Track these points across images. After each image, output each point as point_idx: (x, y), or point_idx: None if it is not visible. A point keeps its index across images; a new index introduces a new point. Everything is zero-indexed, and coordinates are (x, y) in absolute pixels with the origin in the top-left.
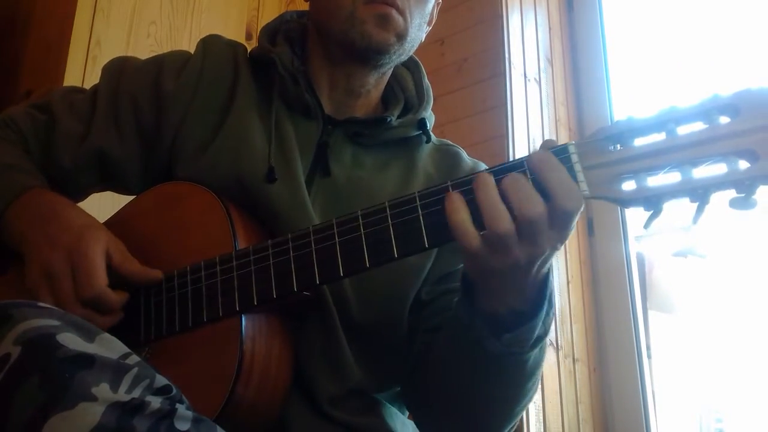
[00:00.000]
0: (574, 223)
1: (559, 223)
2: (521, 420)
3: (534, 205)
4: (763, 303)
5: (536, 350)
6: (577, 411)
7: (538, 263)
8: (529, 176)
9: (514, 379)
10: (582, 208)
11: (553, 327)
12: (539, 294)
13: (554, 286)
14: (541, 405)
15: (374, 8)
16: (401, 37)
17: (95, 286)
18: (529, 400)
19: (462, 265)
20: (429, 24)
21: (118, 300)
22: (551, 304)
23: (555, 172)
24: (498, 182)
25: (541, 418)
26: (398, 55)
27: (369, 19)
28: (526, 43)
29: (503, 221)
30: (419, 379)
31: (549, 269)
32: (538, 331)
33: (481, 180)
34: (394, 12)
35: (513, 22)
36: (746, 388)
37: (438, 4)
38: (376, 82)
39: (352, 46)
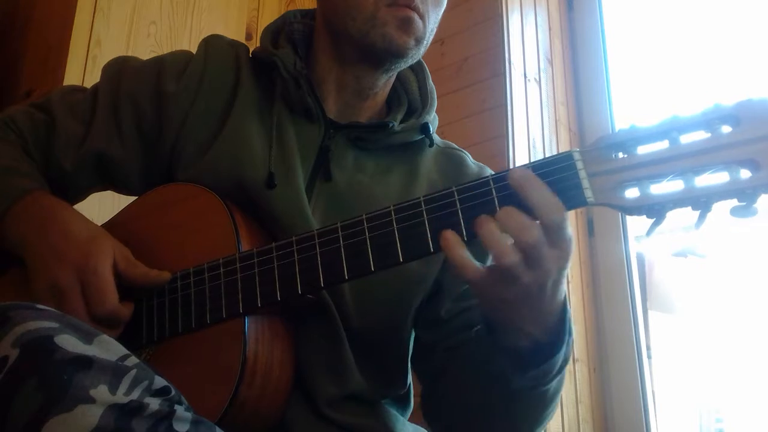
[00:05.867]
0: (568, 233)
1: (553, 237)
2: None
3: (529, 231)
4: (763, 303)
5: (557, 378)
6: (577, 411)
7: (549, 287)
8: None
9: (534, 409)
10: (566, 217)
11: None
12: (559, 323)
13: (571, 313)
14: None
15: (397, 11)
16: (419, 41)
17: (107, 303)
18: (547, 422)
19: None
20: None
21: (128, 313)
22: (570, 332)
23: (533, 188)
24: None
25: None
26: (413, 58)
27: (391, 21)
28: (526, 43)
29: (509, 255)
30: (438, 398)
31: (564, 296)
32: (560, 363)
33: (481, 219)
34: (415, 16)
35: (513, 22)
36: (746, 388)
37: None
38: (383, 85)
39: (372, 47)
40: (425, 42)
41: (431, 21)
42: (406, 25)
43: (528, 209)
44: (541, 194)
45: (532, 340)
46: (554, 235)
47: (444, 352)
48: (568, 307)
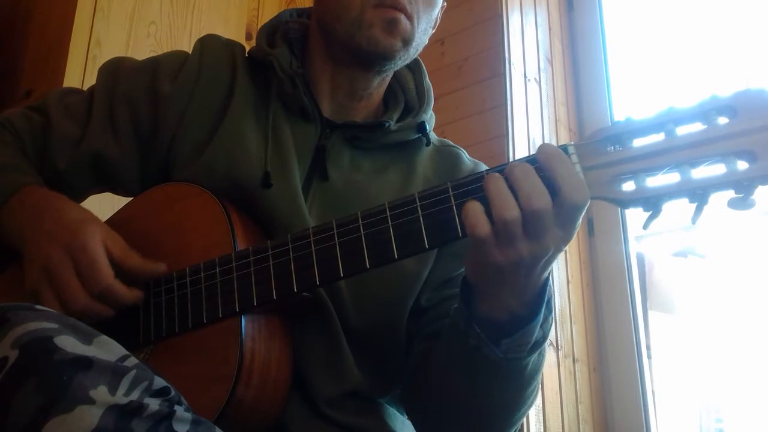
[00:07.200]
0: (580, 220)
1: (565, 219)
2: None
3: (540, 196)
4: (763, 303)
5: (535, 355)
6: (577, 411)
7: (542, 264)
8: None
9: (513, 386)
10: (588, 203)
11: (552, 327)
12: (538, 298)
13: (554, 290)
14: (541, 405)
15: (383, 12)
16: (407, 42)
17: (102, 278)
18: (529, 407)
19: (462, 269)
20: (433, 27)
21: (130, 295)
22: (550, 309)
23: (563, 166)
24: (507, 173)
25: (541, 418)
26: (403, 60)
27: (377, 23)
28: (526, 43)
29: (510, 209)
30: (418, 385)
31: (549, 274)
32: (536, 336)
33: (490, 175)
34: (402, 17)
35: (513, 22)
36: (746, 388)
37: (443, 7)
38: (378, 85)
39: (358, 49)
40: (414, 43)
41: (422, 22)
42: (392, 27)
43: (550, 184)
44: (569, 171)
45: (510, 312)
46: (567, 214)
47: (423, 340)
48: (550, 284)
